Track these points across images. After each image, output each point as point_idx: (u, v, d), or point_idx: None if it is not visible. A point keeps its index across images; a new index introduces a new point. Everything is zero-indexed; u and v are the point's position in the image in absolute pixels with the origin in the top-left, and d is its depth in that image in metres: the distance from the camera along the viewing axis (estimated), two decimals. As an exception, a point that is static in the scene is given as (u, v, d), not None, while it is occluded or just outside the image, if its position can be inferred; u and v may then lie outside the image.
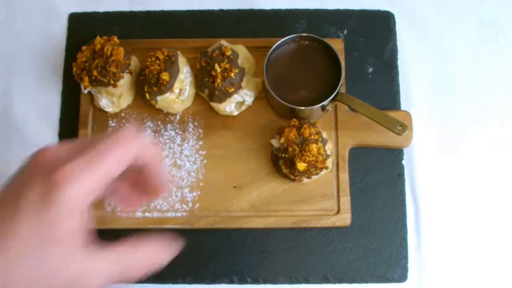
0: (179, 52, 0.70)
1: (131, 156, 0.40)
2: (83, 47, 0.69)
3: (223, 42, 0.70)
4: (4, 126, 0.75)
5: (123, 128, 0.42)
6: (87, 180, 0.37)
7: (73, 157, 0.37)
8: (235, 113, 0.71)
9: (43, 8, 0.80)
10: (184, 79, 0.69)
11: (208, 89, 0.68)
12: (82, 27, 0.78)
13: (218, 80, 0.66)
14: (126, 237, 0.41)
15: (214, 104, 0.70)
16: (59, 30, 0.78)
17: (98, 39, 0.68)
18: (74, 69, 0.69)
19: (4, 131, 0.75)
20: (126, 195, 0.46)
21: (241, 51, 0.70)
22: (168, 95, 0.68)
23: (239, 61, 0.68)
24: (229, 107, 0.69)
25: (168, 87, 0.67)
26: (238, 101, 0.70)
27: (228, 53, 0.67)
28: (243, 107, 0.71)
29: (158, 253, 0.43)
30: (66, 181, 0.36)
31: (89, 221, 0.38)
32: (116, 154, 0.39)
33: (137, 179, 0.45)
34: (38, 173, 0.37)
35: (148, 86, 0.67)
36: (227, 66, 0.66)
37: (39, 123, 0.75)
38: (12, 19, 0.79)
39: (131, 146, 0.40)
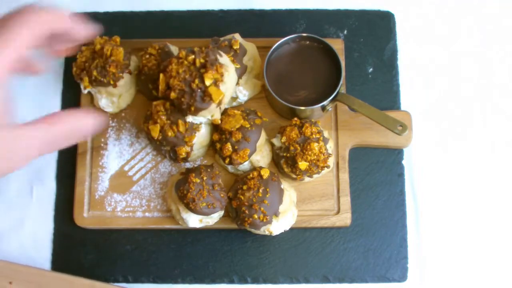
0: (168, 44, 0.69)
1: (43, 31, 0.45)
2: (83, 47, 0.69)
3: (237, 36, 0.69)
4: (3, 126, 0.74)
5: (28, 5, 0.46)
6: (2, 56, 0.42)
7: None
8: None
9: (42, 8, 0.79)
10: None
11: None
12: (82, 27, 0.78)
13: None
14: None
15: None
16: (59, 30, 0.78)
17: (98, 39, 0.68)
18: (74, 69, 0.69)
19: (4, 131, 0.74)
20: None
21: (251, 49, 0.69)
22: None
23: (245, 58, 0.68)
24: None
25: None
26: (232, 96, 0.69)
27: (236, 46, 0.66)
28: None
29: (84, 123, 0.48)
30: None
31: (10, 93, 0.43)
32: (27, 31, 0.44)
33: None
34: None
35: (152, 83, 0.67)
36: (231, 59, 0.65)
37: (39, 123, 0.74)
38: (12, 19, 0.78)
39: (40, 21, 0.45)
